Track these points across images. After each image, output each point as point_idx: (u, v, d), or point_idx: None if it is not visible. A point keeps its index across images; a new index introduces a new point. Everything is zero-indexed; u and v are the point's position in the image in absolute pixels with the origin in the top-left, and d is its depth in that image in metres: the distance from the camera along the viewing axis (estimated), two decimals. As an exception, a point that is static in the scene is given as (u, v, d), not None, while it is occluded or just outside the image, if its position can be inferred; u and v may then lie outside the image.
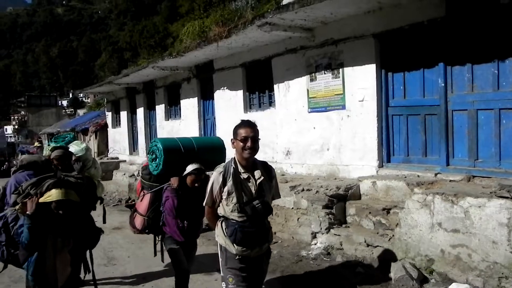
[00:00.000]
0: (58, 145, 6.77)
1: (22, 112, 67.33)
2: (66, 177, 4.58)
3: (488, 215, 5.32)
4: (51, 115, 57.09)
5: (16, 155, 42.42)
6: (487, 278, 5.32)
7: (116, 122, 21.33)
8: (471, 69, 6.87)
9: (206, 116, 13.89)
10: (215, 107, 13.08)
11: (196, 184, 5.12)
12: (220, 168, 4.03)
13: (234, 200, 3.84)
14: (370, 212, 7.18)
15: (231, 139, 4.15)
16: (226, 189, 3.88)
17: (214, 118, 13.22)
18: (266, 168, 4.15)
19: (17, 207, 4.44)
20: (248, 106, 11.75)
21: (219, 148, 5.61)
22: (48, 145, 7.68)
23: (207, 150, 5.43)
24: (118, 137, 20.93)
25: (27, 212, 4.31)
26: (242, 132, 4.14)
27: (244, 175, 3.94)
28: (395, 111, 8.10)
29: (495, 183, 5.87)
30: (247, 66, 11.55)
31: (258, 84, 11.40)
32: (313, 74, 9.39)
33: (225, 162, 4.12)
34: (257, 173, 3.97)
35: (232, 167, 3.95)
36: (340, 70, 8.76)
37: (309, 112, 9.60)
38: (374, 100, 8.17)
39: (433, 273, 5.83)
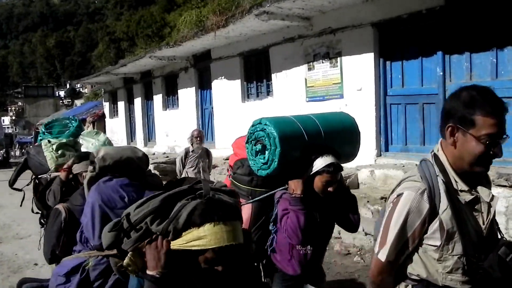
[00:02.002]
0: (63, 140, 4.68)
1: (19, 103, 67.16)
2: (216, 194, 2.22)
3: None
4: (48, 106, 56.91)
5: (13, 146, 42.45)
6: (485, 266, 5.32)
7: (114, 113, 21.29)
8: (469, 58, 6.85)
9: (204, 106, 13.85)
10: (212, 96, 13.04)
11: (330, 189, 3.18)
12: (416, 183, 2.18)
13: (457, 249, 2.05)
14: (368, 201, 7.18)
15: (448, 126, 2.07)
16: (436, 226, 2.06)
17: (212, 107, 13.19)
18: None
19: (125, 261, 2.08)
20: (246, 95, 11.72)
21: (354, 131, 3.70)
22: (42, 139, 4.82)
23: (338, 136, 3.51)
24: (115, 127, 20.88)
25: (149, 273, 2.06)
26: (491, 120, 2.06)
27: (467, 196, 2.12)
28: (393, 100, 8.08)
29: (493, 172, 5.86)
30: (245, 56, 11.50)
31: (256, 74, 11.37)
32: (311, 63, 9.35)
33: (420, 169, 2.28)
34: (484, 191, 2.18)
35: (441, 180, 2.12)
36: (338, 59, 8.72)
37: (307, 102, 9.57)
38: (372, 89, 8.15)
39: (431, 262, 5.83)
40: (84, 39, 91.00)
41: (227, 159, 11.40)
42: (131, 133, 19.55)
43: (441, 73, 7.17)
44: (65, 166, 3.90)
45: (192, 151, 8.43)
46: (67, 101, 64.24)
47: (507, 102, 6.39)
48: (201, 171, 8.33)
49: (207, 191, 2.15)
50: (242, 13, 9.06)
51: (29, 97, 59.99)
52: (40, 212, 4.53)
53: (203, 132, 8.78)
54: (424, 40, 7.40)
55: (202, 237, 1.96)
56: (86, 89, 59.46)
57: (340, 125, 3.64)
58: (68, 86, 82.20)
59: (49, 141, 4.47)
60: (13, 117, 69.98)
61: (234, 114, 11.86)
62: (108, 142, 4.99)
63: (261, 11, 8.38)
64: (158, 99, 16.39)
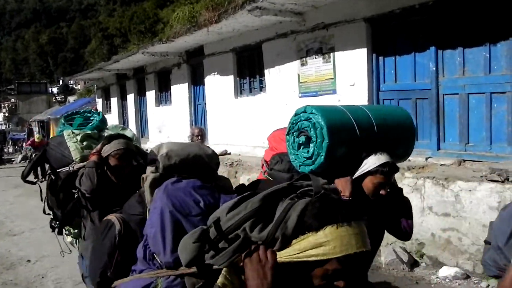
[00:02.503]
0: (87, 131, 4.32)
1: (12, 100, 66.78)
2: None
3: (478, 199, 5.34)
4: (41, 102, 56.68)
5: (7, 143, 42.26)
6: (477, 261, 5.34)
7: (107, 109, 21.21)
8: (462, 53, 6.85)
9: (197, 102, 13.82)
10: (205, 92, 13.01)
11: (382, 192, 2.80)
12: None
13: None
14: (361, 197, 7.18)
15: None
16: None
17: (205, 103, 13.16)
18: None
19: (220, 281, 1.54)
20: (239, 91, 11.70)
21: (410, 128, 3.18)
22: (62, 131, 4.42)
23: (393, 132, 3.02)
24: (108, 123, 20.75)
25: None
26: None
27: None
28: (386, 96, 8.08)
29: (486, 167, 5.89)
30: (238, 51, 11.48)
31: (249, 69, 11.34)
32: (304, 58, 9.33)
33: None
34: None
35: None
36: (331, 54, 8.71)
37: (300, 97, 9.56)
38: (365, 85, 8.14)
39: (423, 257, 5.86)
40: (77, 35, 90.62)
41: (220, 155, 11.41)
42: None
43: (434, 68, 7.17)
44: (94, 151, 3.64)
45: None
46: (60, 98, 63.82)
47: (500, 98, 6.41)
48: None
49: (317, 187, 1.68)
50: (234, 8, 9.04)
51: (22, 94, 59.70)
52: (52, 213, 4.20)
53: (205, 130, 8.07)
54: (417, 35, 7.40)
55: (322, 244, 1.44)
56: (79, 86, 59.20)
57: (395, 119, 3.12)
58: (61, 82, 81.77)
59: (72, 132, 4.12)
60: (6, 114, 69.59)
61: (227, 110, 11.84)
62: (136, 138, 4.55)
63: (254, 6, 8.35)
64: (151, 95, 16.34)
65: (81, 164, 3.72)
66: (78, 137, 4.04)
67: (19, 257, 7.50)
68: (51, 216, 4.23)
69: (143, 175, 2.51)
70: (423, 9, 7.10)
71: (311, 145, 2.78)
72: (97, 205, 3.54)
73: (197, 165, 2.45)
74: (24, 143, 32.95)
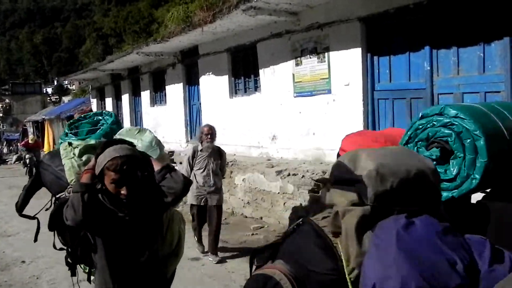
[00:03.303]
0: (90, 141, 3.44)
1: (7, 100, 66.49)
2: None
3: (474, 197, 5.34)
4: (36, 103, 56.42)
5: (1, 143, 42.07)
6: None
7: (101, 109, 21.13)
8: (457, 52, 6.86)
9: (192, 102, 13.81)
10: (200, 92, 13.00)
11: None
12: None
13: None
14: (356, 196, 7.18)
15: None
16: None
17: (200, 103, 13.15)
18: None
19: None
20: (234, 91, 11.69)
21: None
22: (63, 141, 3.58)
23: None
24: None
25: None
26: None
27: None
28: (381, 95, 8.09)
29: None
30: (233, 51, 11.47)
31: (244, 69, 11.34)
32: (299, 58, 9.34)
33: None
34: None
35: None
36: (326, 54, 8.72)
37: (294, 97, 9.56)
38: (360, 84, 8.15)
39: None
40: (72, 35, 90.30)
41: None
42: (118, 130, 19.42)
43: (429, 68, 7.18)
44: (86, 167, 2.73)
45: (200, 150, 7.13)
46: (55, 98, 63.62)
47: (494, 97, 6.41)
48: (211, 174, 7.02)
49: None
50: (229, 8, 9.03)
51: (16, 94, 59.41)
52: (65, 248, 3.20)
53: (215, 129, 7.45)
54: (412, 34, 7.41)
55: None
56: (73, 86, 59.03)
57: None
58: (55, 82, 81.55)
59: (70, 144, 3.15)
60: (0, 114, 69.36)
61: (222, 110, 11.83)
62: (156, 142, 3.69)
63: (249, 6, 8.35)
64: (145, 95, 16.32)
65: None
66: (76, 151, 3.11)
67: (14, 258, 7.47)
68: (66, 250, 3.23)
69: (339, 209, 1.67)
70: (417, 9, 7.11)
71: (453, 162, 2.10)
72: (101, 240, 2.66)
73: (421, 188, 1.62)
74: (18, 143, 32.80)
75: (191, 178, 6.74)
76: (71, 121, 3.91)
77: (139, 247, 2.71)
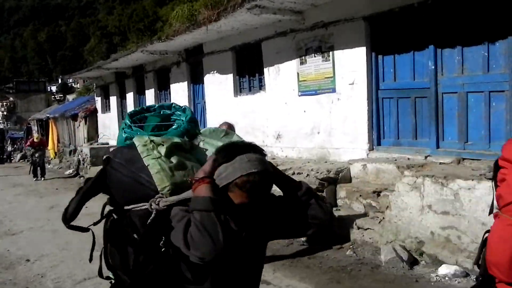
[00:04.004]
0: (174, 139, 2.60)
1: (11, 98, 66.67)
2: None
3: (477, 197, 5.34)
4: (40, 101, 56.54)
5: (5, 142, 42.20)
6: (477, 259, 5.35)
7: (106, 107, 21.20)
8: (461, 52, 6.85)
9: (196, 101, 13.81)
10: (205, 91, 13.01)
11: None
12: None
13: None
14: (360, 195, 7.19)
15: None
16: None
17: (204, 102, 13.16)
18: None
19: None
20: (238, 90, 11.69)
21: None
22: (129, 136, 2.83)
23: None
24: (108, 122, 20.79)
25: None
26: None
27: None
28: (385, 94, 8.08)
29: (485, 166, 5.90)
30: (237, 50, 11.47)
31: (248, 68, 11.34)
32: (303, 57, 9.33)
33: None
34: None
35: None
36: (330, 53, 8.71)
37: (299, 96, 9.56)
38: (364, 83, 8.14)
39: (423, 255, 5.86)
40: (76, 33, 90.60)
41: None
42: (123, 128, 19.46)
43: (433, 67, 7.17)
44: (200, 174, 2.07)
45: None
46: (59, 96, 63.86)
47: (498, 96, 6.43)
48: None
49: None
50: (234, 7, 9.02)
51: (21, 92, 59.57)
52: (113, 275, 2.57)
53: (234, 127, 6.84)
54: (416, 33, 7.39)
55: None
56: (78, 84, 59.22)
57: None
58: (60, 81, 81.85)
59: (151, 141, 2.46)
60: (5, 113, 69.55)
61: (226, 108, 11.83)
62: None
63: (253, 4, 8.34)
64: (150, 93, 16.33)
65: (173, 198, 2.15)
66: (163, 149, 2.43)
67: (18, 257, 7.50)
68: (111, 281, 2.60)
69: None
70: (422, 8, 7.10)
71: None
72: (214, 275, 2.09)
73: None
74: (23, 143, 32.87)
75: None
76: (131, 112, 3.21)
77: (248, 272, 2.25)
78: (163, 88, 15.74)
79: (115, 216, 2.49)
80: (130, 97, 18.03)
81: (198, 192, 1.98)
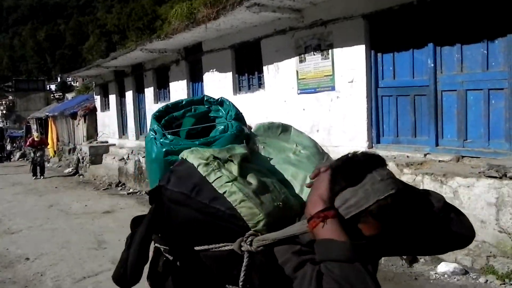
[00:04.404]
0: (235, 150, 1.96)
1: (10, 97, 66.65)
2: None
3: (476, 195, 5.35)
4: (39, 100, 56.53)
5: (5, 140, 42.20)
6: (476, 257, 5.36)
7: (105, 106, 21.18)
8: (460, 50, 6.85)
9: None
10: (204, 89, 12.99)
11: None
12: None
13: None
14: (359, 193, 7.19)
15: None
16: None
17: (204, 100, 13.14)
18: None
19: None
20: (238, 88, 11.69)
21: None
22: (167, 149, 2.10)
23: None
24: (107, 120, 20.79)
25: None
26: None
27: None
28: (384, 92, 8.08)
29: (484, 163, 5.90)
30: (236, 48, 11.46)
31: (248, 66, 11.33)
32: (303, 55, 9.33)
33: None
34: None
35: None
36: (330, 51, 8.71)
37: (298, 94, 9.56)
38: (363, 81, 8.14)
39: (422, 253, 5.87)
40: (75, 32, 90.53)
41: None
42: (122, 127, 19.45)
43: (432, 65, 7.17)
44: (311, 201, 1.56)
45: None
46: (58, 95, 63.75)
47: (497, 94, 6.43)
48: None
49: None
50: (233, 5, 9.02)
51: (20, 91, 59.55)
52: None
53: (252, 128, 6.38)
54: (415, 31, 7.39)
55: None
56: (77, 83, 59.16)
57: None
58: (59, 79, 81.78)
59: (214, 156, 1.85)
60: (4, 111, 69.54)
61: (226, 106, 11.82)
62: (320, 150, 2.38)
63: (252, 3, 8.33)
64: (149, 92, 16.32)
65: (273, 236, 1.62)
66: (233, 167, 1.83)
67: (18, 255, 7.51)
68: None
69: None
70: (421, 6, 7.09)
71: None
72: None
73: None
74: (23, 141, 32.89)
75: None
76: (156, 113, 2.48)
77: None
78: (162, 86, 15.73)
79: (170, 257, 1.94)
80: (129, 95, 18.02)
81: (324, 232, 1.45)
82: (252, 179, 1.81)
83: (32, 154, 20.07)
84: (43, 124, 30.90)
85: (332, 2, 8.36)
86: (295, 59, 9.50)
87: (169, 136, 2.24)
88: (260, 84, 10.89)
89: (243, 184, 1.75)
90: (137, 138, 17.52)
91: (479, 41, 6.59)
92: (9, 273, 6.70)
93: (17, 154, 33.06)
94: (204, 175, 1.79)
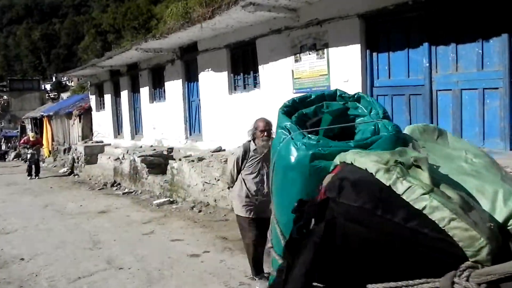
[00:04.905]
0: (413, 152, 1.65)
1: (5, 97, 66.39)
2: None
3: (472, 194, 5.35)
4: (34, 99, 56.31)
5: (0, 140, 42.07)
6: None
7: (100, 106, 21.13)
8: (455, 49, 6.86)
9: (191, 98, 13.78)
10: (199, 89, 12.98)
11: None
12: None
13: None
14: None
15: None
16: None
17: (199, 100, 13.13)
18: None
19: None
20: (233, 87, 11.68)
21: None
22: (310, 150, 1.78)
23: None
24: (102, 120, 20.75)
25: None
26: None
27: None
28: (380, 91, 8.08)
29: (479, 162, 5.89)
30: (232, 47, 11.45)
31: (243, 65, 11.32)
32: (298, 54, 9.33)
33: None
34: None
35: None
36: (325, 50, 8.71)
37: (294, 93, 9.54)
38: (359, 81, 8.14)
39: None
40: (70, 31, 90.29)
41: (214, 151, 11.41)
42: (118, 126, 19.43)
43: (427, 64, 7.18)
44: None
45: (254, 150, 5.59)
46: (53, 95, 63.57)
47: (492, 94, 6.43)
48: (265, 180, 5.45)
49: None
50: (228, 4, 9.00)
51: (14, 91, 59.30)
52: None
53: (272, 124, 5.64)
54: (411, 31, 7.41)
55: None
56: (72, 82, 59.01)
57: None
58: (54, 79, 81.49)
59: (397, 161, 1.47)
60: (-2, 111, 69.33)
61: (221, 106, 11.82)
62: (492, 159, 2.05)
63: (248, 2, 8.32)
64: (144, 91, 16.29)
65: (497, 270, 1.25)
66: (423, 174, 1.47)
67: (12, 256, 7.47)
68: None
69: None
70: (416, 5, 7.10)
71: None
72: None
73: None
74: (17, 142, 32.77)
75: (238, 184, 5.67)
76: (284, 108, 2.27)
77: None
78: (157, 86, 15.70)
79: None
80: (124, 95, 17.98)
81: None
82: (447, 190, 1.40)
83: (27, 151, 19.93)
84: (38, 124, 30.81)
85: (327, 1, 8.36)
86: (291, 59, 9.50)
87: (312, 136, 1.82)
88: (256, 84, 10.88)
89: (444, 199, 1.34)
90: (133, 138, 17.50)
91: (474, 41, 6.61)
92: (3, 274, 6.67)
93: (12, 154, 32.94)
94: (388, 184, 1.38)
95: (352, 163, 1.47)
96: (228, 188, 5.90)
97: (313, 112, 2.21)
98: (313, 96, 2.28)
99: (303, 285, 1.46)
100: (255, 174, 5.55)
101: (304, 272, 1.45)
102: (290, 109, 2.20)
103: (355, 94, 2.25)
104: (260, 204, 5.45)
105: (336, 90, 2.24)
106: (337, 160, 1.57)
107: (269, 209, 5.28)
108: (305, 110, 2.19)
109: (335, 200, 1.40)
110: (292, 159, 1.78)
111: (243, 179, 5.59)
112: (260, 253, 5.37)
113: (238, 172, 5.65)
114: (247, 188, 5.53)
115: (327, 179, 1.58)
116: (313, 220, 1.48)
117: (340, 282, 1.39)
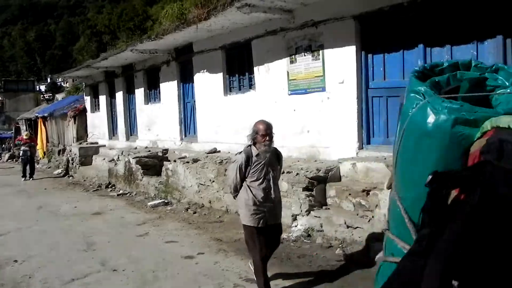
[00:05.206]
0: None
1: (-1, 98, 66.21)
2: None
3: (466, 195, 5.36)
4: (28, 100, 56.06)
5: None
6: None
7: (95, 107, 21.06)
8: (450, 51, 6.88)
9: (186, 100, 13.76)
10: (195, 90, 12.96)
11: None
12: None
13: None
14: (350, 194, 7.19)
15: None
16: None
17: (194, 101, 13.10)
18: None
19: None
20: (228, 89, 11.66)
21: None
22: (452, 115, 1.74)
23: None
24: (97, 121, 20.68)
25: None
26: None
27: None
28: (375, 93, 8.09)
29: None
30: (227, 49, 11.44)
31: (238, 67, 11.31)
32: (293, 56, 9.32)
33: None
34: None
35: None
36: (320, 52, 8.71)
37: (289, 95, 9.55)
38: (354, 82, 8.15)
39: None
40: (65, 32, 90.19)
41: (209, 152, 11.38)
42: (113, 128, 19.37)
43: (422, 66, 7.18)
44: None
45: (256, 155, 5.42)
46: (48, 96, 63.30)
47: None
48: (272, 186, 5.37)
49: None
50: (224, 5, 8.99)
51: (9, 92, 59.02)
52: None
53: (272, 126, 5.77)
54: (406, 32, 7.41)
55: None
56: (67, 83, 58.89)
57: None
58: (49, 80, 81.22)
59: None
60: (-7, 112, 69.06)
61: (216, 107, 11.81)
62: None
63: (243, 3, 8.32)
64: (139, 92, 16.25)
65: None
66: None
67: (6, 258, 7.42)
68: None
69: None
70: (411, 7, 7.11)
71: None
72: None
73: None
74: (12, 144, 32.64)
75: (243, 192, 5.41)
76: (416, 73, 2.22)
77: None
78: (152, 87, 15.67)
79: None
80: (119, 96, 17.94)
81: None
82: None
83: (22, 148, 19.76)
84: (32, 125, 30.68)
85: (323, 2, 8.36)
86: (286, 60, 9.49)
87: (449, 102, 1.66)
88: (251, 85, 10.88)
89: None
90: (127, 139, 17.45)
91: (468, 42, 6.62)
92: (-3, 275, 6.62)
93: (6, 156, 32.79)
94: None
95: (509, 127, 1.35)
96: (234, 198, 5.68)
97: (446, 80, 2.10)
98: (445, 64, 2.22)
99: (452, 256, 1.22)
100: (261, 180, 5.30)
101: (454, 240, 1.22)
102: (421, 75, 2.07)
103: (493, 65, 2.19)
104: (270, 210, 5.31)
105: (471, 59, 2.19)
106: (488, 124, 1.44)
107: (280, 215, 5.43)
108: (437, 78, 2.06)
109: (493, 164, 1.24)
110: (430, 124, 1.65)
111: (249, 187, 5.33)
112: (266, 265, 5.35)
113: (242, 180, 5.38)
114: (253, 195, 5.28)
115: (478, 143, 1.45)
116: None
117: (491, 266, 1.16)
